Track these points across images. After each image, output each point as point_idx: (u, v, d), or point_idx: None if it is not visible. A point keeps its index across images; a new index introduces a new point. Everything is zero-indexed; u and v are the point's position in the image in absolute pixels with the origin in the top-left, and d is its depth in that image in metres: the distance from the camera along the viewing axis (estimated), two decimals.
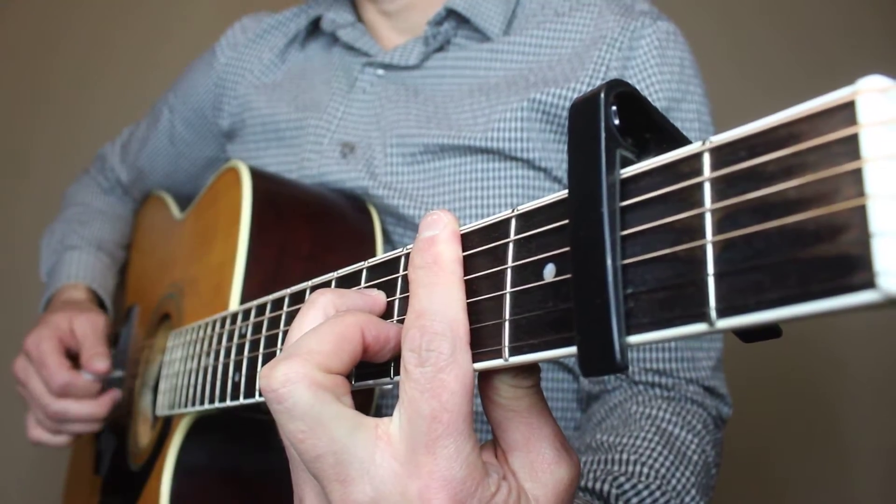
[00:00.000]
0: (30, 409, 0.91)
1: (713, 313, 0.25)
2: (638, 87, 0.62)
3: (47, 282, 1.09)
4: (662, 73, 0.80)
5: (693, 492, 0.66)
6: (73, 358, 0.89)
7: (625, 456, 0.66)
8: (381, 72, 0.93)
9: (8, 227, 1.67)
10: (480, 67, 0.87)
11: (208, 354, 0.62)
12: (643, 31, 0.81)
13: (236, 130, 1.03)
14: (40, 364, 0.86)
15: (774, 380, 1.50)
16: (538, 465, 0.37)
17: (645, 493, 0.63)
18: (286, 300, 0.50)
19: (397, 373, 0.38)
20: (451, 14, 0.89)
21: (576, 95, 0.79)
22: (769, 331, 0.32)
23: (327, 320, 0.37)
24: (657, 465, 0.65)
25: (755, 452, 1.48)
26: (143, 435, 0.89)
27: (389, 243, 0.85)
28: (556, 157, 0.82)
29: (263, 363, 0.51)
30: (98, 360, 0.87)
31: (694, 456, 0.68)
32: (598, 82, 0.79)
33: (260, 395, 0.50)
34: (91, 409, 0.87)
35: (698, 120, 0.82)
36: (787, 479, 1.50)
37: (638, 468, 0.65)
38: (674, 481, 0.65)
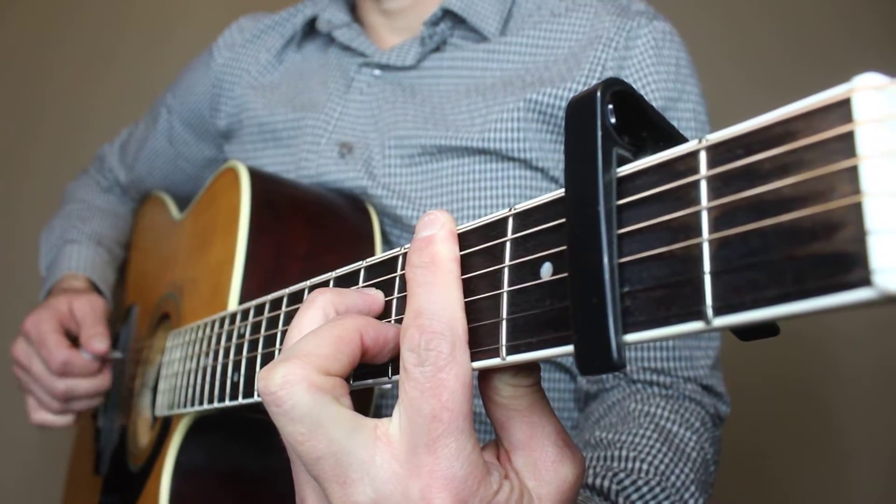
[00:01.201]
0: (29, 393, 0.90)
1: (710, 311, 0.25)
2: (634, 87, 0.62)
3: (46, 275, 1.09)
4: (658, 72, 0.80)
5: (692, 488, 0.66)
6: (73, 340, 0.89)
7: (624, 453, 0.66)
8: (377, 72, 0.93)
9: (8, 226, 1.67)
10: (477, 68, 0.87)
11: (207, 354, 0.62)
12: (639, 31, 0.81)
13: (234, 131, 1.03)
14: (39, 343, 0.86)
15: (772, 378, 1.50)
16: (541, 464, 0.36)
17: (645, 489, 0.63)
18: (285, 300, 0.50)
19: (395, 372, 0.38)
20: (447, 14, 0.89)
21: (572, 95, 0.79)
22: (766, 329, 0.32)
23: (326, 323, 0.37)
24: (656, 462, 0.65)
25: (753, 450, 1.48)
26: (143, 435, 0.89)
27: (387, 244, 0.85)
28: (553, 157, 0.82)
29: (262, 363, 0.51)
30: (97, 340, 0.87)
31: (693, 453, 0.69)
32: (595, 82, 0.79)
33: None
34: (94, 383, 0.87)
35: (694, 119, 0.82)
36: (784, 477, 1.50)
37: (637, 465, 0.65)
38: (672, 478, 0.65)
